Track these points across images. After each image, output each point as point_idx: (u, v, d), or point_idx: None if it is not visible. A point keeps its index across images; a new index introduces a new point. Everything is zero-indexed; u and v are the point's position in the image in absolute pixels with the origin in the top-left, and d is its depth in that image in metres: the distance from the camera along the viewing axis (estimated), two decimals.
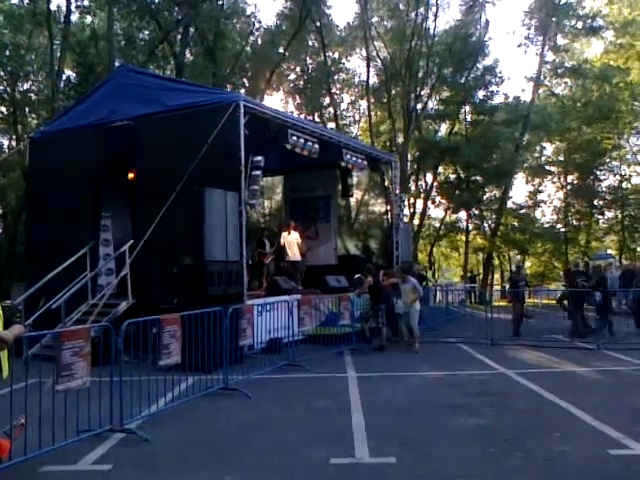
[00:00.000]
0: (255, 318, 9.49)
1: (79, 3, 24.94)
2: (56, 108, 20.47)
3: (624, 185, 36.01)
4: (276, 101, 43.06)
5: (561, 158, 37.39)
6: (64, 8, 23.62)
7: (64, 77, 25.02)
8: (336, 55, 34.71)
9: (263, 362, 9.49)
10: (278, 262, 15.33)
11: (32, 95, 27.79)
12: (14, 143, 27.75)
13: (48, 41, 23.69)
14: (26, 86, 27.96)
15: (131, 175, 13.07)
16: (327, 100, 34.19)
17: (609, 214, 36.79)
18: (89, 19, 27.73)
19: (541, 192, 39.24)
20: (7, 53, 25.66)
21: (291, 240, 14.95)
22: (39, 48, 27.27)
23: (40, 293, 11.48)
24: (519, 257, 38.05)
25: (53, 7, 25.24)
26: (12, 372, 4.90)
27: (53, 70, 22.72)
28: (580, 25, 32.69)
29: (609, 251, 36.63)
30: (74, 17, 25.79)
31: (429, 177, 35.99)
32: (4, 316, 4.95)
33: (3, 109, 28.54)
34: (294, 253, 14.94)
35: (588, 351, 11.59)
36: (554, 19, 31.91)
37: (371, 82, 33.26)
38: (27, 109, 27.91)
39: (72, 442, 5.46)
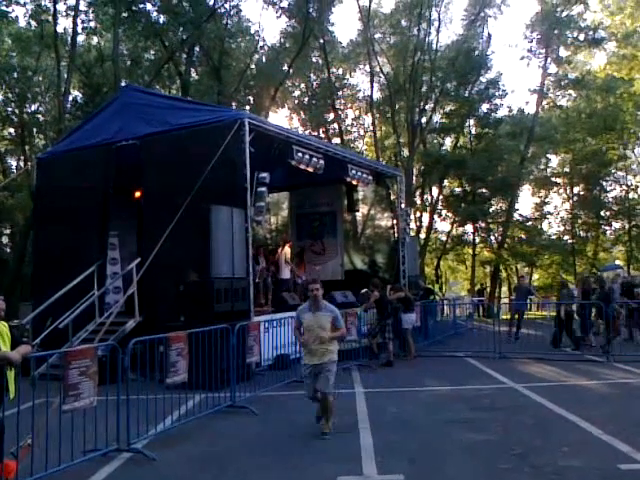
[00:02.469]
0: (262, 335, 9.49)
1: (85, 25, 25.35)
2: (63, 129, 20.70)
3: (630, 196, 35.89)
4: (281, 117, 43.40)
5: (567, 169, 37.30)
6: (71, 30, 24.00)
7: (71, 98, 25.36)
8: (340, 71, 34.98)
9: (270, 379, 9.47)
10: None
11: (39, 116, 28.16)
12: (22, 164, 28.06)
13: (55, 63, 24.00)
14: (34, 107, 28.37)
15: (137, 194, 13.18)
16: (331, 116, 34.40)
17: (616, 225, 36.65)
18: (95, 40, 28.17)
19: (547, 204, 39.16)
20: (15, 75, 26.07)
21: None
22: (46, 70, 27.67)
23: (48, 312, 11.53)
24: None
25: (60, 29, 25.68)
26: (19, 392, 4.93)
27: (60, 91, 23.02)
28: (582, 37, 32.80)
29: (617, 262, 36.38)
30: (80, 38, 26.22)
31: (435, 191, 36.05)
32: (12, 336, 4.98)
33: (11, 130, 28.95)
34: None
35: (597, 364, 11.49)
36: (556, 31, 32.03)
37: (375, 97, 33.54)
38: (35, 130, 28.27)
39: (79, 462, 5.46)
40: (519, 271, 40.71)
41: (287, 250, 14.92)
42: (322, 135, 33.43)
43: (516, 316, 15.93)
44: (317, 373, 6.62)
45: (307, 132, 32.11)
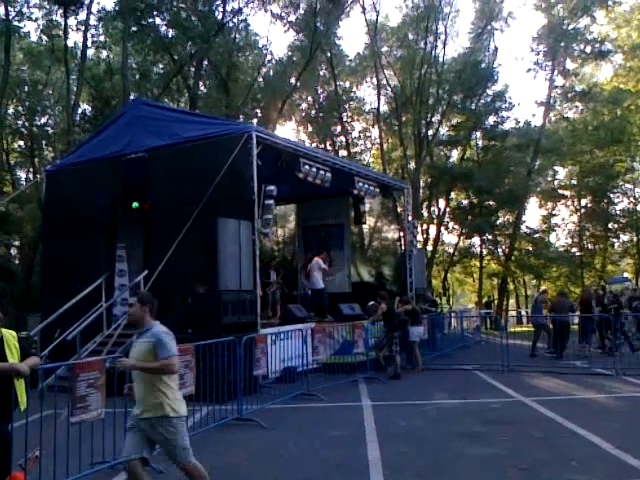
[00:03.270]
0: (269, 347, 9.49)
1: (95, 39, 25.70)
2: (72, 141, 20.87)
3: (638, 208, 35.77)
4: (288, 130, 43.57)
5: (574, 182, 37.27)
6: (81, 44, 24.29)
7: (80, 111, 25.63)
8: (347, 84, 35.22)
9: (277, 391, 9.45)
10: (291, 291, 15.35)
11: (49, 129, 28.44)
12: (31, 176, 28.28)
13: (65, 76, 24.27)
14: (43, 120, 28.66)
15: (146, 206, 13.24)
16: (338, 128, 34.57)
17: (624, 237, 36.52)
18: (104, 54, 28.48)
19: (555, 216, 39.13)
20: (26, 89, 26.37)
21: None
22: (56, 83, 27.99)
23: (56, 324, 11.56)
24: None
25: (70, 43, 26.02)
26: (27, 404, 4.93)
27: (69, 104, 23.25)
28: (589, 49, 32.89)
29: (625, 274, 36.18)
30: (90, 52, 26.56)
31: (442, 203, 36.08)
32: (21, 347, 4.99)
33: (21, 143, 29.22)
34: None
35: (606, 377, 11.39)
36: (562, 44, 32.15)
37: (382, 110, 33.65)
38: (44, 143, 28.53)
39: (86, 474, 5.45)
40: (526, 283, 40.58)
41: (316, 259, 14.93)
42: (329, 148, 33.58)
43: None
44: (141, 430, 4.41)
45: (314, 145, 32.26)
